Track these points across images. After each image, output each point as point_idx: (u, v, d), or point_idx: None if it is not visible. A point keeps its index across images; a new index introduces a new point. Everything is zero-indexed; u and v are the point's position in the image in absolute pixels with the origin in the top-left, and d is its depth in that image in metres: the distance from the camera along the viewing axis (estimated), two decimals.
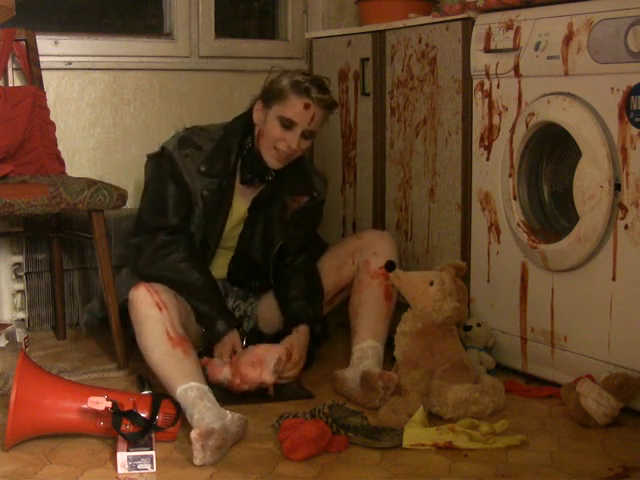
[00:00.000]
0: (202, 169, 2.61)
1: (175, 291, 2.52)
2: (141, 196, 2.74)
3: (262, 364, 2.42)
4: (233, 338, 2.56)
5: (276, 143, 2.57)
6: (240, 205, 2.70)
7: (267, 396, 2.46)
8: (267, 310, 2.79)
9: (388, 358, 2.58)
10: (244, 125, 2.67)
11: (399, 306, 2.62)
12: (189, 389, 2.22)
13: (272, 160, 2.61)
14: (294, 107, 2.54)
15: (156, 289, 2.43)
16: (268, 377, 2.42)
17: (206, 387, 2.25)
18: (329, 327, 2.89)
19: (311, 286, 2.71)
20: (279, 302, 2.73)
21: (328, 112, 2.62)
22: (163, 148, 2.67)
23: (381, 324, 2.61)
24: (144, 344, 2.36)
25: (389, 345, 2.56)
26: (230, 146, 2.65)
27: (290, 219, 2.74)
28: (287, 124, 2.55)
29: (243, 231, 2.72)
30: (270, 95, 2.59)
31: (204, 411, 2.16)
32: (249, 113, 2.67)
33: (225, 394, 2.41)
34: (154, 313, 2.37)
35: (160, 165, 2.67)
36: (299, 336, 2.57)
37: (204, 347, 2.80)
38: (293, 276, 2.71)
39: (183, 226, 2.64)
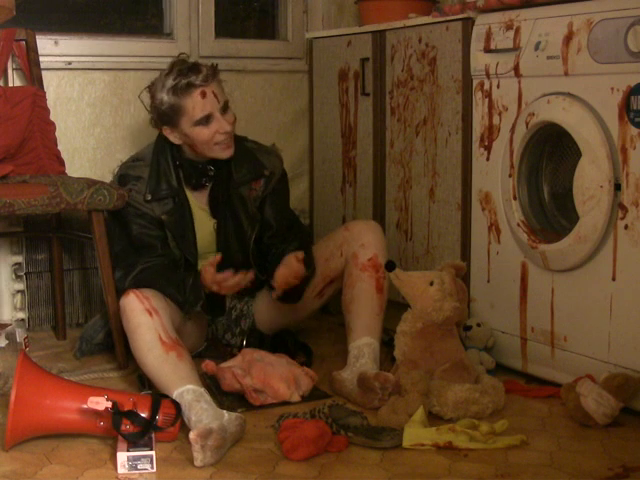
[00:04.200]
0: (148, 198, 2.64)
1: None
2: (112, 237, 2.71)
3: (295, 384, 2.41)
4: (203, 270, 2.51)
5: (214, 139, 2.59)
6: (203, 213, 2.72)
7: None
8: (263, 308, 2.79)
9: (388, 358, 2.58)
10: (167, 140, 2.67)
11: (399, 306, 2.62)
12: (185, 392, 2.22)
13: (222, 153, 2.63)
14: (196, 106, 2.56)
15: (146, 295, 2.42)
16: (298, 400, 2.41)
17: (202, 389, 2.24)
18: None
19: (303, 245, 2.69)
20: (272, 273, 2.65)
21: (217, 76, 2.63)
22: None
23: (375, 319, 2.60)
24: (138, 351, 2.37)
25: (389, 345, 2.56)
26: (165, 165, 2.67)
27: (260, 209, 2.74)
28: (205, 120, 2.57)
29: (218, 239, 2.72)
30: (167, 118, 2.60)
31: (201, 412, 2.16)
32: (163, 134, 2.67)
33: (241, 400, 2.40)
34: (145, 319, 2.37)
35: (114, 212, 2.67)
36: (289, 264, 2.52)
37: (204, 348, 2.80)
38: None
39: (163, 252, 2.65)
